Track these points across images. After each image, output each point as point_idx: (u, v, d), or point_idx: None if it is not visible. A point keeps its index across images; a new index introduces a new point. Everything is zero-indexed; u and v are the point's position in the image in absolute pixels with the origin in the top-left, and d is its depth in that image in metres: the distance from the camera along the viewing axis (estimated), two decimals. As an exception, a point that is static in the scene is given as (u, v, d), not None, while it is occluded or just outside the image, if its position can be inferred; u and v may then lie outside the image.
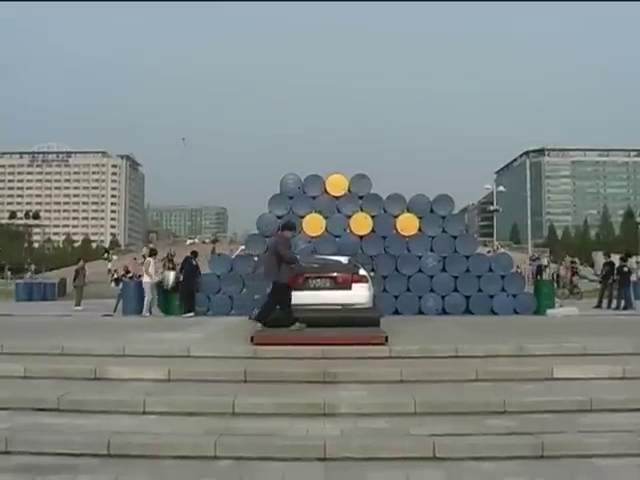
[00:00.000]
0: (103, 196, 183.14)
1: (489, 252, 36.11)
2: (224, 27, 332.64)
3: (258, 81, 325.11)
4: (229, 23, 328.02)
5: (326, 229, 16.68)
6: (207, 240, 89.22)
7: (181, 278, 16.10)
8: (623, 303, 17.36)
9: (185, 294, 15.91)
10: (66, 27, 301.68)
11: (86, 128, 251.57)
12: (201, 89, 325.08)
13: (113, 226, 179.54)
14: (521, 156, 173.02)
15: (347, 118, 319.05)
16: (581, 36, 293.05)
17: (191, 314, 15.33)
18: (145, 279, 16.31)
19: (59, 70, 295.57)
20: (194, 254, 16.82)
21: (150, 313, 16.05)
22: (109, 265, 47.01)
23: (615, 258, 18.93)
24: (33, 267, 57.31)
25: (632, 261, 18.37)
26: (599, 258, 27.07)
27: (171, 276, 16.51)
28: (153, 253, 17.26)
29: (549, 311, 15.47)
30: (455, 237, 16.58)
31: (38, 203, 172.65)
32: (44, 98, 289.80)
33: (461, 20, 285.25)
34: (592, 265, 30.10)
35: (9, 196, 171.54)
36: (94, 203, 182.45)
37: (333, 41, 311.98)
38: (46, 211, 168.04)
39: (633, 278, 19.02)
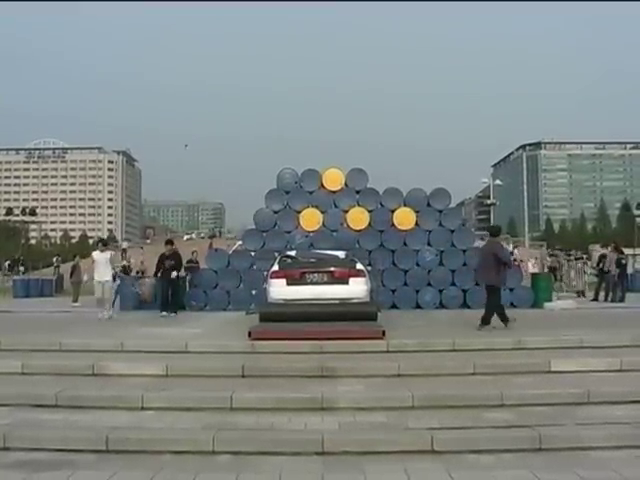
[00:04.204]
0: (100, 192, 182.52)
1: None
2: (223, 29, 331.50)
3: (258, 82, 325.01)
4: (228, 24, 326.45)
5: (323, 224, 16.69)
6: (204, 235, 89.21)
7: (174, 275, 14.28)
8: (620, 295, 17.44)
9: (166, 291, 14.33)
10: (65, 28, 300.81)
11: (83, 127, 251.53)
12: (200, 90, 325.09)
13: (110, 222, 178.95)
14: (518, 150, 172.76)
15: (347, 121, 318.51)
16: (580, 34, 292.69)
17: (164, 313, 13.85)
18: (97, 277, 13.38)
19: (59, 73, 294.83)
20: (169, 242, 14.91)
21: (110, 317, 13.24)
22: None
23: (606, 251, 18.92)
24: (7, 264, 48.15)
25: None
26: (597, 251, 27.08)
27: (147, 285, 15.55)
28: (105, 244, 14.37)
29: (547, 304, 15.50)
30: (452, 231, 16.60)
31: (35, 199, 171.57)
32: (43, 100, 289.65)
33: (461, 19, 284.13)
34: (590, 258, 30.15)
35: (6, 192, 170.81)
36: (91, 199, 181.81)
37: (332, 42, 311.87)
38: (43, 207, 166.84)
39: (629, 271, 19.07)
